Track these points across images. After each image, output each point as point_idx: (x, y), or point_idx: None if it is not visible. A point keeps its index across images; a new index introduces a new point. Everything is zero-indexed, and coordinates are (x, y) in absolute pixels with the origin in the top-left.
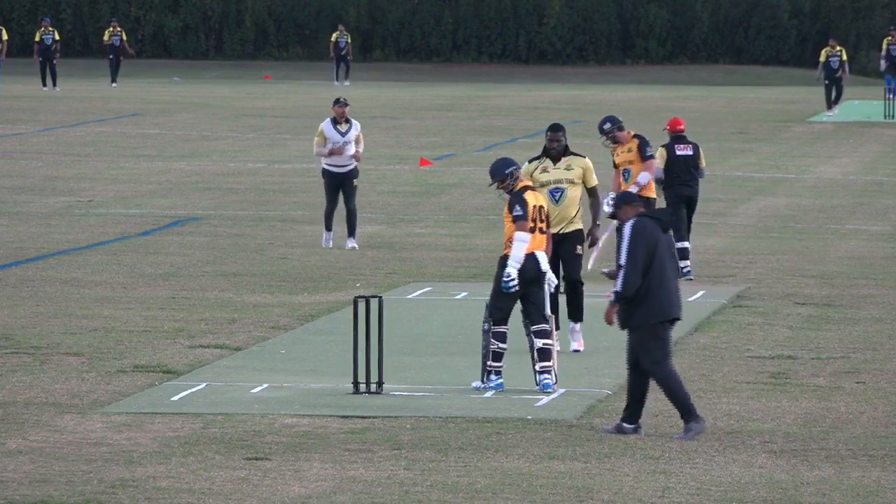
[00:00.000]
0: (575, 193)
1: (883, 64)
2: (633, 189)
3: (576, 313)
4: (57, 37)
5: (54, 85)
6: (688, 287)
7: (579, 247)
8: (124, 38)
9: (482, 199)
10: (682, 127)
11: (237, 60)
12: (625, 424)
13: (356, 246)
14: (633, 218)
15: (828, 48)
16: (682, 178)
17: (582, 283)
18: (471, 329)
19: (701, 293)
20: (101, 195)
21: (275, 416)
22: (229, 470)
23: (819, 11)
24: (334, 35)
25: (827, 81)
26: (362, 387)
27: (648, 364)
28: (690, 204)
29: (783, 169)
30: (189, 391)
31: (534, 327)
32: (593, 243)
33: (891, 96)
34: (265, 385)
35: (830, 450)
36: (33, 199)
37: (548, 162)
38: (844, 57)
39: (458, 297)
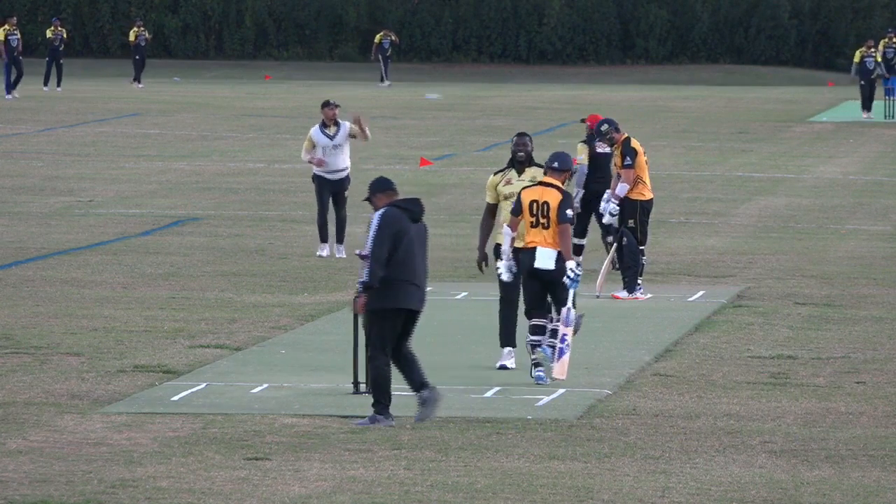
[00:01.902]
0: None
1: (879, 66)
2: (613, 201)
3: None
4: (65, 35)
5: (58, 85)
6: (688, 287)
7: None
8: (148, 37)
9: (482, 200)
10: None
11: (237, 60)
12: (421, 408)
13: (344, 255)
14: (384, 207)
15: (863, 49)
16: (597, 174)
17: None
18: (471, 329)
19: (701, 293)
20: (101, 195)
21: (275, 416)
22: (229, 470)
23: (819, 11)
24: (378, 36)
25: (863, 83)
26: (362, 387)
27: (369, 346)
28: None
29: (783, 169)
30: (189, 391)
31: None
32: None
33: (887, 96)
34: (265, 385)
35: (830, 450)
36: (33, 199)
37: (512, 174)
38: (879, 58)
39: (458, 297)
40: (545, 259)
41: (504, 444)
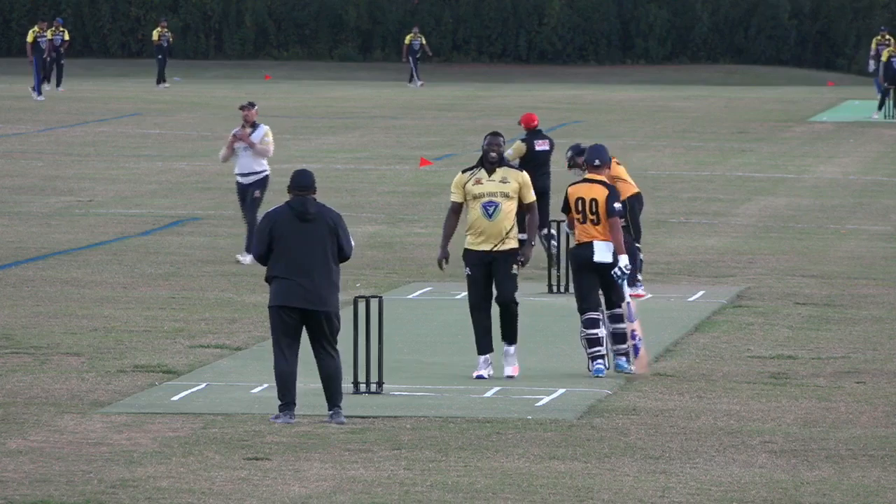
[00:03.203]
0: (510, 208)
1: (871, 64)
2: None
3: (509, 335)
4: (66, 37)
5: (58, 85)
6: (688, 287)
7: (515, 266)
8: (171, 38)
9: None
10: (536, 123)
11: (237, 60)
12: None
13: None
14: (276, 205)
15: (891, 48)
16: (539, 171)
17: (516, 304)
18: (470, 329)
19: (701, 293)
20: (101, 195)
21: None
22: (229, 470)
23: (819, 11)
24: (408, 37)
25: (887, 83)
26: (362, 387)
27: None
28: (545, 196)
29: (783, 169)
30: (189, 391)
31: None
32: (524, 263)
33: (880, 93)
34: (265, 385)
35: (830, 450)
36: (33, 199)
37: (482, 173)
38: (885, 56)
39: (458, 297)
40: (603, 252)
41: (504, 444)
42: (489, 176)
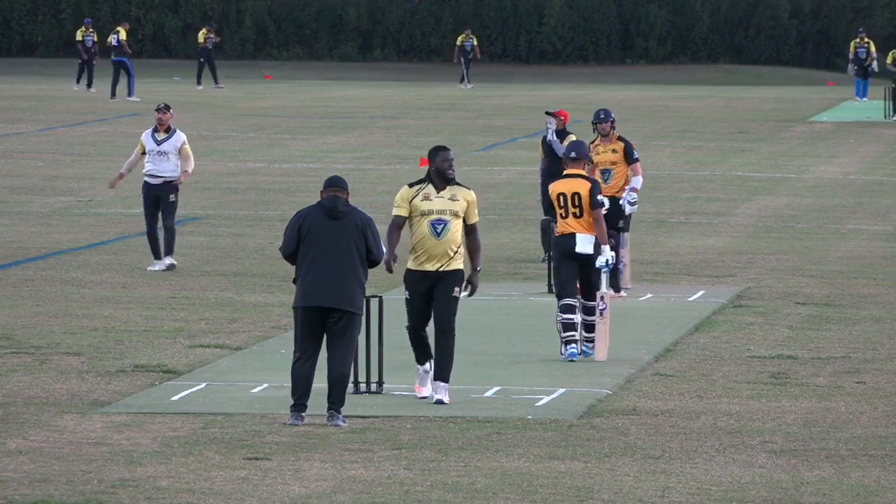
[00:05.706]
0: (457, 227)
1: (850, 68)
2: (630, 195)
3: (443, 374)
4: (96, 38)
5: (89, 85)
6: (688, 287)
7: (457, 288)
8: (215, 40)
9: (482, 199)
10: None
11: (237, 60)
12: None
13: (175, 263)
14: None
15: None
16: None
17: (453, 332)
18: (470, 328)
19: (701, 293)
20: (101, 195)
21: (275, 416)
22: (229, 470)
23: (819, 11)
24: (460, 38)
25: None
26: (362, 387)
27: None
28: None
29: (783, 169)
30: (189, 391)
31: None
32: (472, 292)
33: (859, 97)
34: (265, 385)
35: (830, 450)
36: (33, 199)
37: (430, 188)
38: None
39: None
40: (585, 244)
41: (504, 444)
42: (437, 192)
